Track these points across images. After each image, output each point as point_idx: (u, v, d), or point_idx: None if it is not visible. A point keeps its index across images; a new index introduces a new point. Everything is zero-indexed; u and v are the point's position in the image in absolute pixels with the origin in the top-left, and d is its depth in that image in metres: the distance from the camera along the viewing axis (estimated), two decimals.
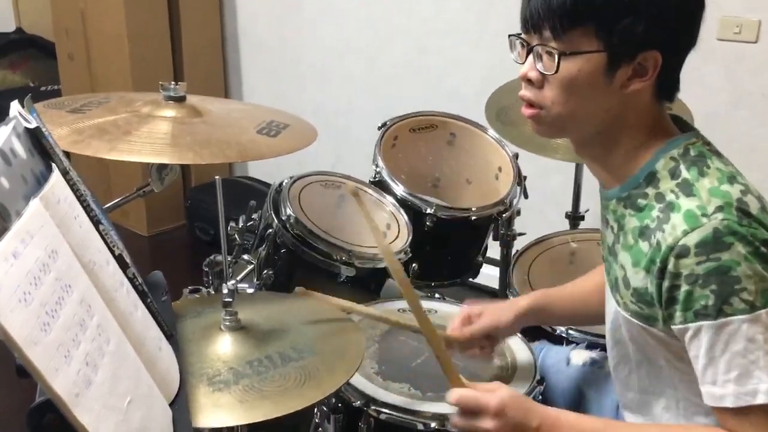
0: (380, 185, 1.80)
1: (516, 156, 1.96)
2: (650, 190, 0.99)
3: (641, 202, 1.00)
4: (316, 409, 1.28)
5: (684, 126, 1.05)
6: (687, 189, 0.94)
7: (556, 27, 0.95)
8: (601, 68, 0.96)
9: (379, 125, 1.92)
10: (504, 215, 1.85)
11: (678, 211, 0.93)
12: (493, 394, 1.02)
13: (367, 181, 1.82)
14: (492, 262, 2.04)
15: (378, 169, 1.82)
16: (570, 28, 0.95)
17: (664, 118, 1.03)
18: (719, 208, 0.90)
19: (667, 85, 1.00)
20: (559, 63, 0.96)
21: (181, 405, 0.87)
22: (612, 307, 1.11)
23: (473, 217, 1.81)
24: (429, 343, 1.09)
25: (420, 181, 1.98)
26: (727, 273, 0.88)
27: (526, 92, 1.03)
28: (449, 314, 1.52)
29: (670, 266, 0.91)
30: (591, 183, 2.17)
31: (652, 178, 0.99)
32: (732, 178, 0.94)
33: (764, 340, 0.87)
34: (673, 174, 0.97)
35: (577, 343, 1.50)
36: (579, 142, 1.07)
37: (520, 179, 1.93)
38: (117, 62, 3.10)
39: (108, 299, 0.81)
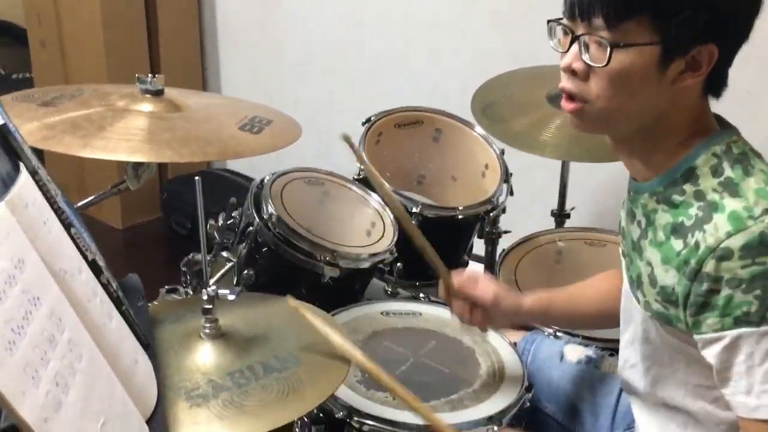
0: (364, 183, 1.75)
1: (502, 152, 1.92)
2: (688, 187, 0.94)
3: (677, 198, 0.95)
4: (297, 420, 1.24)
5: (723, 123, 1.00)
6: (732, 188, 0.90)
7: (610, 16, 0.89)
8: (654, 61, 0.90)
9: (363, 121, 1.87)
10: (491, 214, 1.81)
11: (722, 211, 0.88)
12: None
13: (352, 178, 1.77)
14: (478, 258, 2.00)
15: (362, 167, 1.77)
16: (625, 17, 0.88)
17: (707, 114, 0.99)
18: (766, 211, 0.86)
19: (718, 80, 0.95)
20: (611, 55, 0.89)
21: (159, 422, 0.82)
22: (631, 306, 1.07)
23: (460, 216, 1.78)
24: None
25: (405, 179, 1.93)
26: None
27: (568, 84, 0.96)
28: (434, 317, 1.49)
29: (709, 269, 0.87)
30: (577, 180, 2.17)
31: (690, 174, 0.94)
32: None
33: None
34: (715, 171, 0.92)
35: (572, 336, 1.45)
36: (619, 138, 1.02)
37: (506, 177, 1.89)
38: (91, 50, 3.00)
39: (80, 311, 0.75)
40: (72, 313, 0.73)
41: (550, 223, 2.12)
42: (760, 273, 0.84)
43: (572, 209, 2.13)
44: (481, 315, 1.28)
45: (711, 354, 0.89)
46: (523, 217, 2.05)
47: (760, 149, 1.07)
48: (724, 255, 0.86)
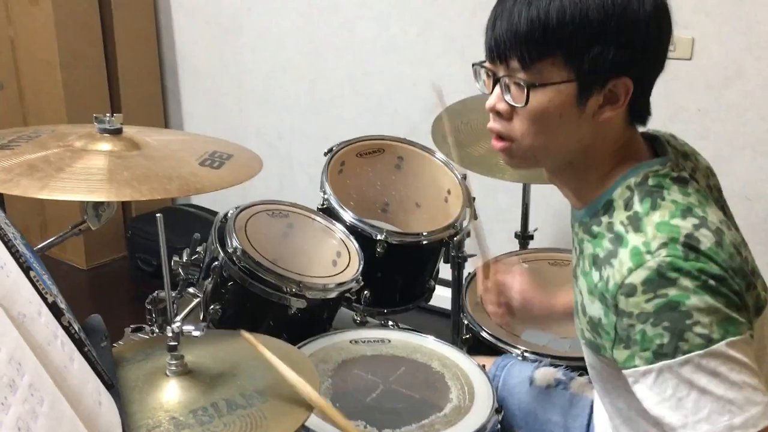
0: (328, 212, 1.76)
1: (464, 177, 1.95)
2: (605, 218, 0.97)
3: (595, 229, 0.98)
4: None
5: (660, 148, 1.03)
6: (636, 223, 0.92)
7: (524, 58, 0.92)
8: (572, 98, 0.93)
9: (325, 151, 1.89)
10: (455, 238, 1.83)
11: (625, 246, 0.91)
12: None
13: (315, 208, 1.78)
14: (444, 283, 2.02)
15: (326, 196, 1.78)
16: (539, 58, 0.92)
17: (635, 142, 1.01)
18: (663, 245, 0.88)
19: (639, 110, 0.98)
20: (528, 95, 0.93)
21: None
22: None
23: (424, 242, 1.79)
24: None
25: (369, 207, 1.95)
26: (676, 308, 0.85)
27: (494, 124, 0.99)
28: (403, 343, 1.49)
29: (621, 305, 0.89)
30: (539, 202, 2.20)
31: (609, 207, 0.97)
32: (687, 211, 0.91)
33: (728, 371, 0.84)
34: (627, 204, 0.95)
35: (541, 360, 1.46)
36: (550, 171, 1.05)
37: (469, 201, 1.91)
38: (50, 92, 2.98)
39: (41, 354, 0.75)
40: (32, 357, 0.72)
41: (514, 245, 2.15)
42: (664, 305, 0.85)
43: (535, 230, 2.16)
44: (508, 312, 1.35)
45: (643, 389, 0.89)
46: (488, 240, 2.07)
47: (711, 164, 1.10)
48: (629, 291, 0.88)
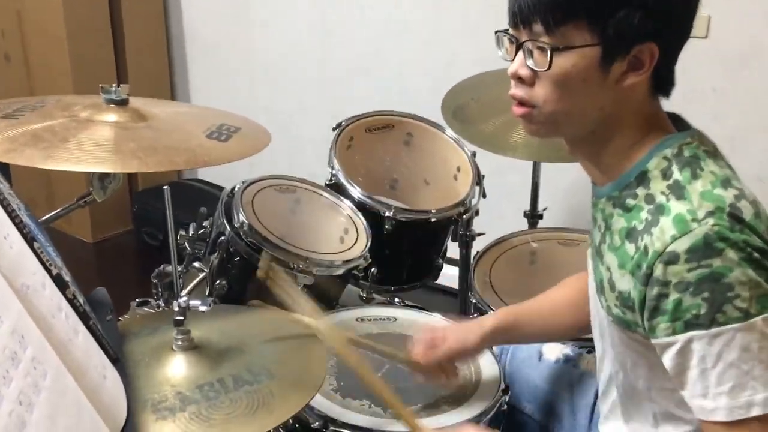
0: (336, 188, 1.75)
1: (474, 155, 1.92)
2: (640, 191, 0.95)
3: (630, 202, 0.96)
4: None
5: (682, 125, 1.01)
6: (678, 191, 0.90)
7: (548, 21, 0.91)
8: (596, 63, 0.91)
9: (334, 126, 1.86)
10: (464, 216, 1.81)
11: (668, 214, 0.89)
12: None
13: (323, 184, 1.76)
14: (452, 262, 2.00)
15: (334, 172, 1.76)
16: (563, 21, 0.90)
17: (660, 115, 0.99)
18: (710, 213, 0.86)
19: (664, 79, 0.96)
20: (551, 59, 0.91)
21: None
22: (596, 311, 1.07)
23: (433, 219, 1.77)
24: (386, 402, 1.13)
25: (377, 183, 1.93)
26: (719, 280, 0.84)
27: (516, 90, 0.98)
28: (410, 321, 1.48)
29: (658, 273, 0.87)
30: (549, 181, 2.18)
31: (643, 178, 0.95)
32: (726, 182, 0.91)
33: (759, 348, 0.83)
34: (665, 174, 0.93)
35: None
36: (572, 141, 1.03)
37: (479, 179, 1.89)
38: (57, 64, 2.96)
39: (44, 327, 0.73)
40: (35, 329, 0.71)
41: (523, 224, 2.13)
42: (707, 275, 0.84)
43: (544, 210, 2.14)
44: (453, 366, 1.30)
45: (667, 358, 0.90)
46: (497, 219, 2.06)
47: (724, 145, 1.09)
48: (671, 259, 0.86)
